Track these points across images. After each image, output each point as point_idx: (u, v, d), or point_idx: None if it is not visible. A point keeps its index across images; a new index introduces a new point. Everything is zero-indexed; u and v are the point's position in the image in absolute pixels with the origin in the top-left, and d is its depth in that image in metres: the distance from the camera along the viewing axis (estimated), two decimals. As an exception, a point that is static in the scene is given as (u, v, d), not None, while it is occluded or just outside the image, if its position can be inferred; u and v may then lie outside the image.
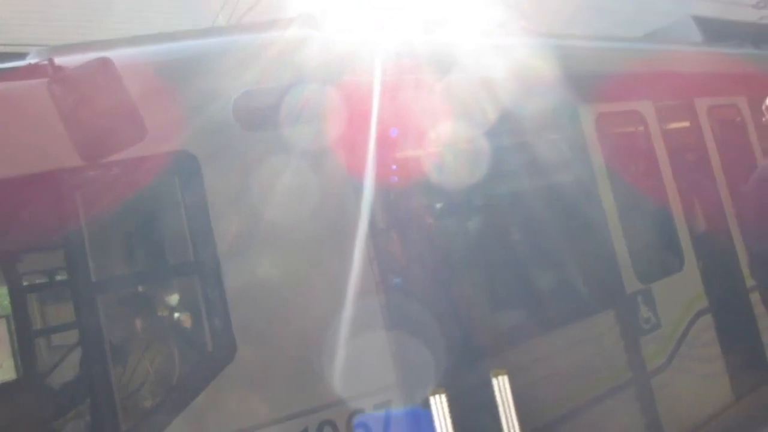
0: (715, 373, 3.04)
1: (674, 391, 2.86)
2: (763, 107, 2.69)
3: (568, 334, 2.61)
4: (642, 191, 3.03)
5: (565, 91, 2.68)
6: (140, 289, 2.73)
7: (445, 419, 2.06)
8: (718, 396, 3.03)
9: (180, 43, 2.34)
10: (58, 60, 1.83)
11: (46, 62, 1.81)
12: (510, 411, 2.12)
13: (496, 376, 2.14)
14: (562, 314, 2.66)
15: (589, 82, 2.87)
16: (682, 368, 2.89)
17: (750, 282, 3.03)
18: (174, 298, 2.73)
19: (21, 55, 2.24)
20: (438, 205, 2.77)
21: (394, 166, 2.41)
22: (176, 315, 2.73)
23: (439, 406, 2.07)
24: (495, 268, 2.73)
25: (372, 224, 2.25)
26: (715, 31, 3.72)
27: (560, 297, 2.69)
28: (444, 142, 2.45)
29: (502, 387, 2.13)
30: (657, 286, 2.95)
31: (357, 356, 2.12)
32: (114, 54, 1.89)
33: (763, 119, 2.66)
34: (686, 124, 3.34)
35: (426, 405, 2.07)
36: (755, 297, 2.93)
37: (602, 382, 2.64)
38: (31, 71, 1.92)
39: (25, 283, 3.05)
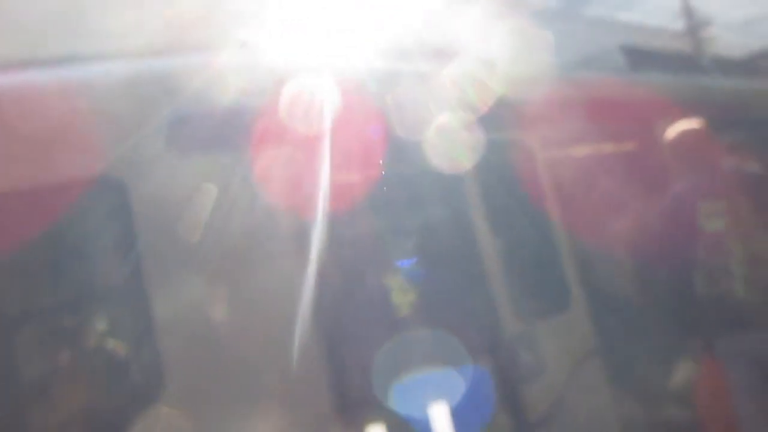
0: (604, 420, 2.93)
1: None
2: (664, 139, 2.87)
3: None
4: (528, 225, 2.90)
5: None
6: (64, 320, 2.52)
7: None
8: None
9: (112, 65, 2.29)
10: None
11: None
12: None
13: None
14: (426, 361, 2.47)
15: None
16: (569, 417, 2.76)
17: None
18: (100, 329, 2.70)
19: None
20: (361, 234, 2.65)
21: (328, 191, 2.36)
22: (103, 347, 2.68)
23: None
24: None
25: (308, 250, 2.32)
26: (641, 59, 3.85)
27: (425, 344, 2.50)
28: (373, 169, 2.54)
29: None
30: (541, 326, 2.81)
31: (293, 387, 2.13)
32: (37, 75, 1.97)
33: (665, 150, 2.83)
34: (578, 154, 3.28)
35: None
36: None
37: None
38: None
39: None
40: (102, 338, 2.60)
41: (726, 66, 4.06)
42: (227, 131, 2.23)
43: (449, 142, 2.61)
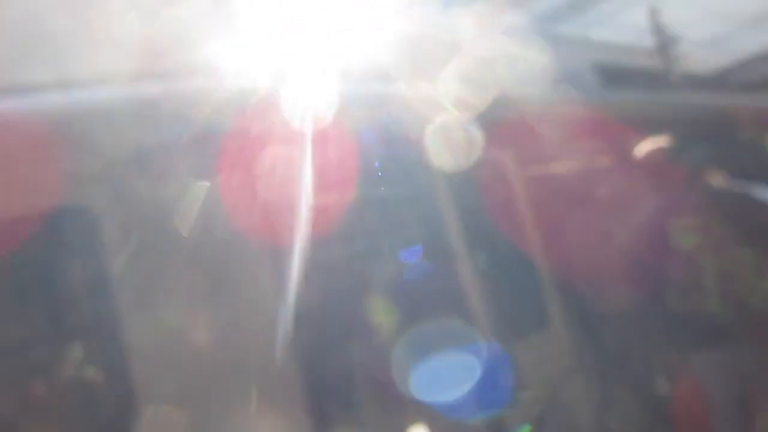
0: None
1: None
2: (635, 156, 2.91)
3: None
4: (504, 244, 2.91)
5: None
6: (34, 353, 2.61)
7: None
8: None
9: (75, 93, 2.28)
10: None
11: None
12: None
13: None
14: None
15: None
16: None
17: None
18: (71, 362, 2.65)
19: None
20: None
21: (303, 214, 2.34)
22: (73, 379, 2.63)
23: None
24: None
25: (284, 274, 2.37)
26: (613, 77, 3.89)
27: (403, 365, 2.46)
28: (348, 191, 2.54)
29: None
30: (518, 346, 2.77)
31: (269, 412, 2.13)
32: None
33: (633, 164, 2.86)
34: (553, 172, 3.28)
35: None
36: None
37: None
38: None
39: None
40: (74, 369, 2.59)
41: (696, 82, 4.12)
42: (199, 157, 2.23)
43: (426, 162, 2.62)
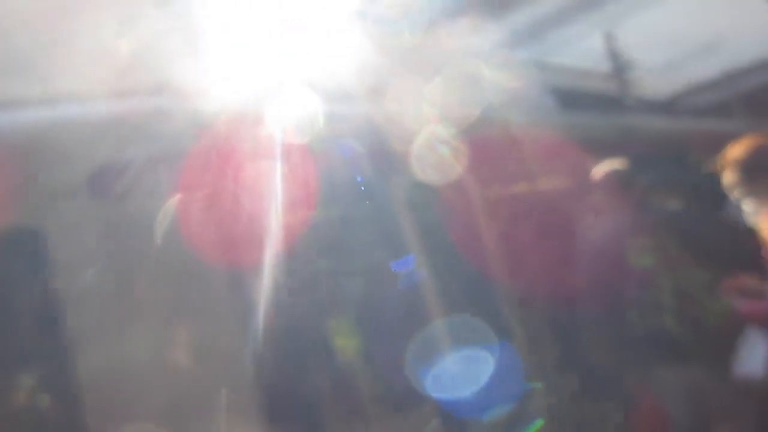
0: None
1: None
2: (591, 178, 2.95)
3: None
4: (465, 263, 2.95)
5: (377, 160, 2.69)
6: None
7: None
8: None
9: (44, 110, 2.26)
10: None
11: None
12: None
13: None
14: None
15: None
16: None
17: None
18: (23, 388, 2.61)
19: None
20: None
21: (258, 237, 2.35)
22: (27, 405, 2.59)
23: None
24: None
25: (247, 294, 2.36)
26: (569, 100, 3.95)
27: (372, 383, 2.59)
28: (311, 210, 2.54)
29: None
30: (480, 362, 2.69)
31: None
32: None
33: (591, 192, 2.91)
34: (512, 192, 3.30)
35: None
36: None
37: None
38: None
39: None
40: (26, 395, 2.53)
41: (649, 107, 4.21)
42: (167, 174, 2.22)
43: (389, 181, 2.64)
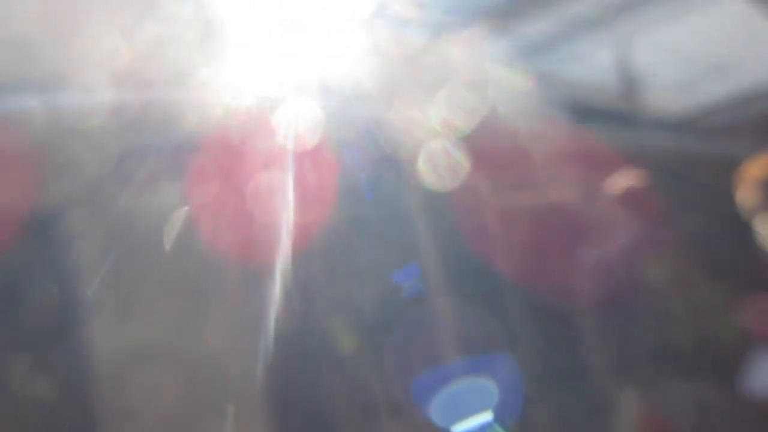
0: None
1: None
2: (607, 191, 2.96)
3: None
4: (476, 269, 2.81)
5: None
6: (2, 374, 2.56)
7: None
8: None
9: (61, 96, 2.22)
10: None
11: None
12: None
13: None
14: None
15: None
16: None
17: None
18: (44, 385, 2.58)
19: None
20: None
21: (270, 237, 2.29)
22: (44, 403, 2.54)
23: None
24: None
25: (252, 298, 2.32)
26: (583, 115, 3.96)
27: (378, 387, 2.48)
28: (324, 209, 2.54)
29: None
30: (490, 369, 2.60)
31: None
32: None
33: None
34: (527, 202, 3.10)
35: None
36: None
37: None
38: None
39: None
40: (45, 392, 2.51)
41: (661, 125, 4.22)
42: (179, 170, 2.21)
43: (400, 183, 2.64)
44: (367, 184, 2.52)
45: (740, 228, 2.79)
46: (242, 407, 2.11)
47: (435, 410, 2.40)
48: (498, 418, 2.53)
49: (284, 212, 2.29)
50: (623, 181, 3.05)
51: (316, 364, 2.41)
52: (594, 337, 2.91)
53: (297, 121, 2.49)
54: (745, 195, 2.64)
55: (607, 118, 4.13)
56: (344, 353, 2.48)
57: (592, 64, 4.13)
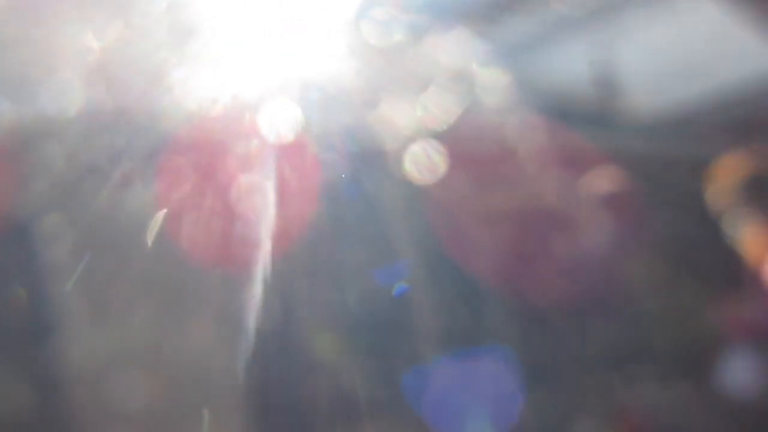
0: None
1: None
2: (588, 192, 2.98)
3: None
4: (458, 267, 2.84)
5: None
6: None
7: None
8: None
9: (28, 105, 2.22)
10: None
11: None
12: None
13: None
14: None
15: None
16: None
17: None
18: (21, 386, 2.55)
19: None
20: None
21: (251, 237, 2.34)
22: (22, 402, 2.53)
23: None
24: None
25: (231, 298, 2.31)
26: (562, 118, 3.98)
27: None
28: (308, 209, 2.53)
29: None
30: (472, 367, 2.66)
31: None
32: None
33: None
34: (511, 199, 3.12)
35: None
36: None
37: None
38: None
39: None
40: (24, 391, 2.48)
41: (640, 127, 4.25)
42: (156, 172, 2.20)
43: (388, 182, 2.65)
44: (348, 183, 2.52)
45: (714, 227, 2.82)
46: (223, 406, 2.10)
47: (421, 408, 2.40)
48: (486, 417, 2.54)
49: (265, 211, 2.28)
50: (602, 181, 3.07)
51: (298, 362, 2.41)
52: (573, 336, 2.91)
53: (278, 120, 2.48)
54: (717, 195, 2.66)
55: (585, 120, 4.16)
56: (326, 352, 2.48)
57: (571, 66, 4.16)
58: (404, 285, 2.58)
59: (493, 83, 3.03)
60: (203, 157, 2.23)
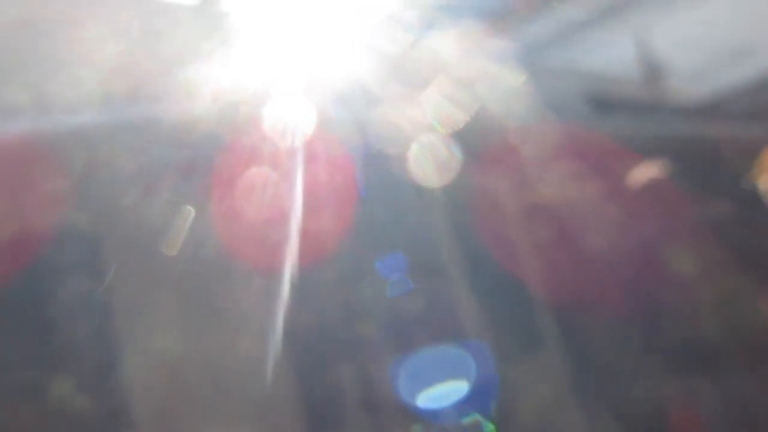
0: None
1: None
2: (630, 184, 2.90)
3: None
4: (499, 270, 2.79)
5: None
6: (20, 381, 2.51)
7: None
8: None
9: (58, 117, 2.22)
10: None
11: None
12: None
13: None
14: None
15: None
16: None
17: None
18: (59, 390, 2.57)
19: None
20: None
21: (278, 241, 2.28)
22: (61, 406, 2.54)
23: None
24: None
25: (260, 303, 2.30)
26: (602, 107, 3.90)
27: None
28: (342, 214, 2.52)
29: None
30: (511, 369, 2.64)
31: None
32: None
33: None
34: (547, 200, 3.05)
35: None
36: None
37: None
38: None
39: None
40: (63, 397, 2.50)
41: (682, 113, 4.15)
42: (186, 179, 2.21)
43: (414, 183, 2.62)
44: (363, 181, 2.50)
45: (763, 213, 2.73)
46: (251, 406, 2.11)
47: (445, 412, 2.37)
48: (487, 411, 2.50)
49: (289, 211, 2.28)
50: (645, 172, 2.99)
51: (325, 362, 2.40)
52: (618, 332, 2.85)
53: (292, 120, 2.48)
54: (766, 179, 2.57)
55: (627, 108, 4.07)
56: (352, 351, 2.46)
57: (610, 54, 4.08)
58: (434, 284, 2.55)
59: (511, 81, 2.98)
60: (228, 158, 2.23)
